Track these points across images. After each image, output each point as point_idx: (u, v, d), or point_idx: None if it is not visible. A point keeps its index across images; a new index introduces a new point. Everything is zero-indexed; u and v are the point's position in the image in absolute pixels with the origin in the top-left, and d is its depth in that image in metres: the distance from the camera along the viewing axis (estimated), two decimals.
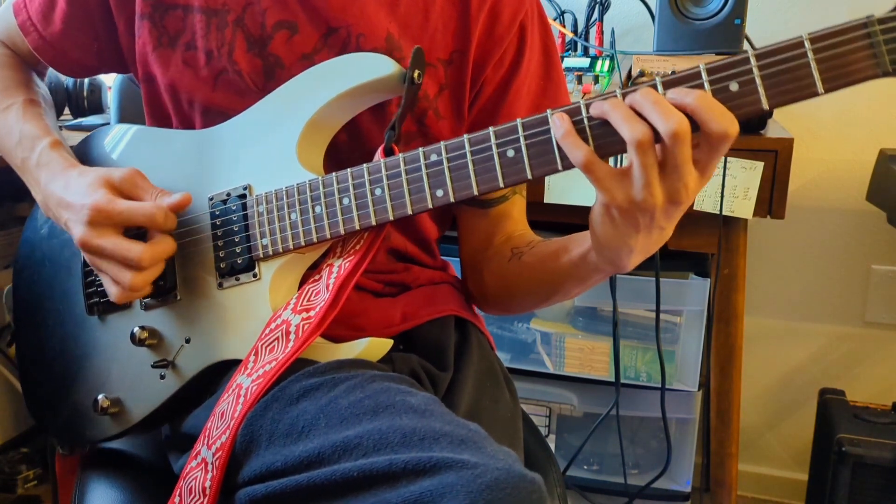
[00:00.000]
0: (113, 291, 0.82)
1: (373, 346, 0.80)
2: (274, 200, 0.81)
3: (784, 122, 1.65)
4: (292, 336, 0.76)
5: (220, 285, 0.84)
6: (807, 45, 0.61)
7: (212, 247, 0.85)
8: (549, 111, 0.68)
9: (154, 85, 0.91)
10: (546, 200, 1.37)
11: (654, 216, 0.67)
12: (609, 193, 0.67)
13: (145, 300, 0.88)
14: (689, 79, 0.64)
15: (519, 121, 0.70)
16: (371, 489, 0.61)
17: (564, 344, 1.61)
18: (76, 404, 0.93)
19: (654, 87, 0.65)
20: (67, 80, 1.72)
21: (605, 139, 0.66)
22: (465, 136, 0.72)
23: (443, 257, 1.04)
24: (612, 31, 1.68)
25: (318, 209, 0.79)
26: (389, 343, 0.82)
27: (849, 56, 0.60)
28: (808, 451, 1.78)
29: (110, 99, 1.40)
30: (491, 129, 0.71)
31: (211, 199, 0.85)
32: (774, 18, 1.71)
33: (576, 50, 1.66)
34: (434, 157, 0.74)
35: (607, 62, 1.58)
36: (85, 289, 0.93)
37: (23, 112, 0.93)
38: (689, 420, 1.61)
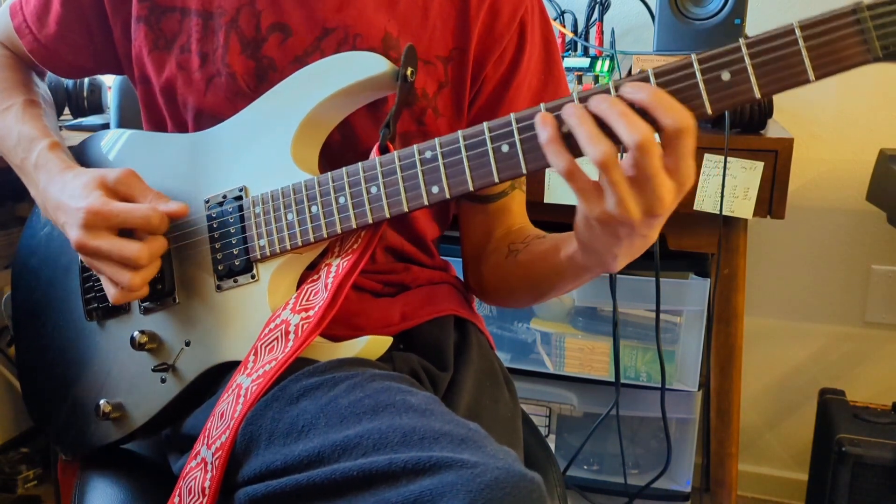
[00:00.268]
0: (112, 292, 0.82)
1: (372, 344, 0.80)
2: (270, 201, 0.81)
3: (784, 122, 1.65)
4: (291, 336, 0.76)
5: (219, 287, 0.84)
6: (797, 32, 0.61)
7: (209, 249, 0.85)
8: (542, 105, 0.68)
9: (150, 87, 0.91)
10: (546, 200, 1.37)
11: (633, 228, 0.66)
12: (588, 205, 0.67)
13: (144, 304, 0.88)
14: (681, 69, 0.64)
15: (513, 115, 0.70)
16: (371, 488, 0.61)
17: (564, 344, 1.61)
18: (78, 410, 0.93)
19: (647, 78, 0.65)
20: (67, 81, 1.72)
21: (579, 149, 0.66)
22: (460, 132, 0.72)
23: (444, 257, 1.04)
24: (612, 31, 1.68)
25: (314, 209, 0.79)
26: (389, 341, 0.82)
27: (839, 42, 0.60)
28: (808, 451, 1.78)
29: (110, 99, 1.40)
30: (485, 124, 0.71)
31: (207, 201, 0.85)
32: (774, 18, 1.71)
33: (576, 50, 1.66)
34: (429, 154, 0.74)
35: (607, 62, 1.58)
36: (83, 294, 0.93)
37: (22, 113, 0.93)
38: (689, 420, 1.61)
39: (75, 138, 0.97)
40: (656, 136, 0.63)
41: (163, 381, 0.86)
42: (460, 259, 1.02)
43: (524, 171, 0.70)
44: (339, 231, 0.79)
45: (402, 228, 0.94)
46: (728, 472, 1.53)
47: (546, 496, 0.61)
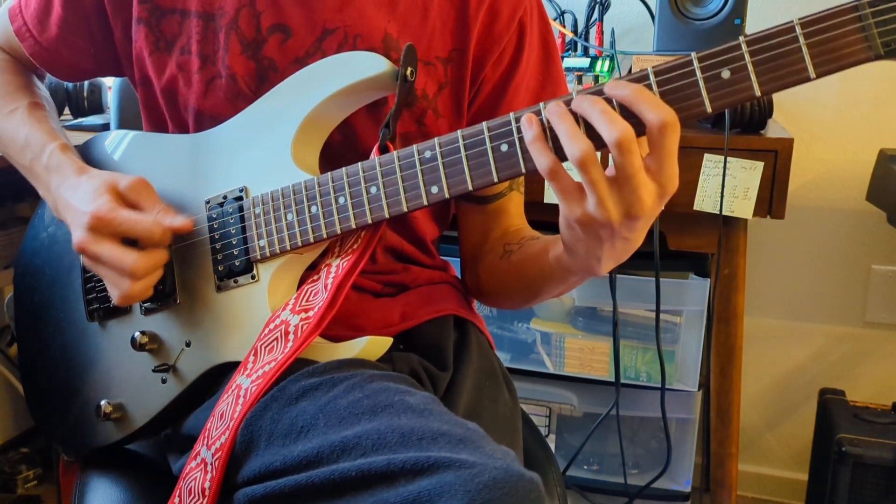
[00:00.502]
0: (114, 294, 0.82)
1: (372, 345, 0.80)
2: (270, 202, 0.81)
3: (784, 122, 1.65)
4: (291, 336, 0.76)
5: (219, 288, 0.84)
6: (798, 30, 0.61)
7: (209, 250, 0.85)
8: (541, 104, 0.68)
9: (150, 89, 0.91)
10: (546, 200, 1.37)
11: (613, 230, 0.66)
12: (569, 206, 0.67)
13: (145, 305, 0.88)
14: (681, 67, 0.64)
15: (512, 115, 0.70)
16: (369, 489, 0.61)
17: (564, 344, 1.61)
18: (79, 411, 0.93)
19: (647, 77, 0.65)
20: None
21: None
22: (459, 132, 0.72)
23: (444, 257, 1.04)
24: (612, 31, 1.68)
25: (314, 209, 0.79)
26: (389, 341, 0.82)
27: (840, 40, 0.60)
28: (808, 451, 1.78)
29: (110, 99, 1.40)
30: (484, 123, 0.71)
31: (207, 202, 0.85)
32: (774, 18, 1.70)
33: (576, 50, 1.66)
34: (428, 154, 0.74)
35: (607, 62, 1.58)
36: (85, 295, 0.93)
37: (28, 115, 0.93)
38: (689, 420, 1.61)
39: (75, 138, 0.97)
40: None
41: (163, 381, 0.86)
42: (459, 258, 1.02)
43: (523, 170, 0.70)
44: (338, 231, 0.79)
45: (401, 229, 0.94)
46: (728, 472, 1.53)
47: (544, 496, 0.61)
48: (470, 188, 0.72)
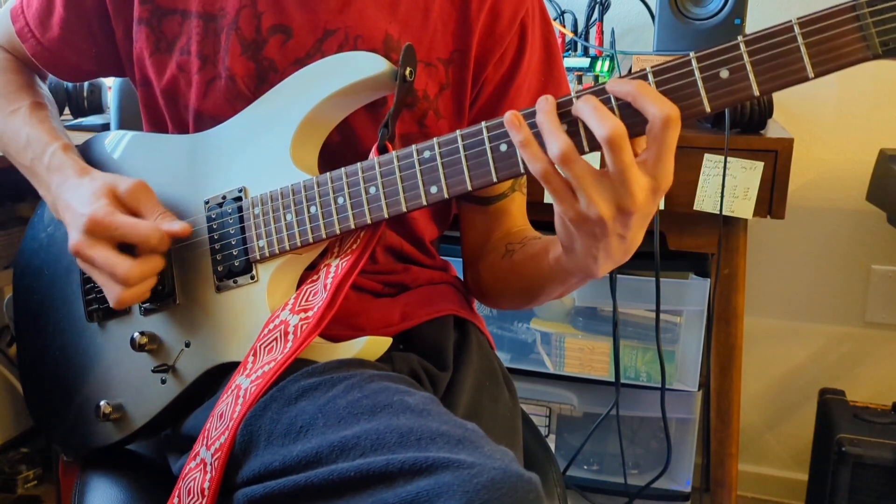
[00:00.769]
0: (110, 297, 0.82)
1: (371, 345, 0.80)
2: (269, 202, 0.81)
3: (784, 122, 1.65)
4: (291, 336, 0.76)
5: (218, 288, 0.84)
6: (796, 29, 0.61)
7: (209, 250, 0.85)
8: (538, 107, 0.68)
9: (150, 89, 0.91)
10: (546, 200, 1.37)
11: (606, 227, 0.66)
12: (562, 206, 0.67)
13: (144, 305, 0.88)
14: (679, 67, 0.64)
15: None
16: (368, 489, 0.61)
17: (564, 344, 1.61)
18: (78, 411, 0.93)
19: (646, 77, 0.65)
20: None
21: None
22: (458, 132, 0.72)
23: (444, 257, 1.04)
24: (612, 31, 1.68)
25: (313, 209, 0.79)
26: (388, 341, 0.82)
27: (838, 39, 0.60)
28: (808, 451, 1.78)
29: (110, 99, 1.40)
30: (483, 123, 0.71)
31: (206, 202, 0.85)
32: (774, 18, 1.71)
33: (576, 50, 1.66)
34: (427, 154, 0.74)
35: (607, 62, 1.58)
36: (84, 296, 0.93)
37: (30, 115, 0.93)
38: (689, 420, 1.61)
39: (75, 138, 0.97)
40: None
41: (163, 381, 0.86)
42: (461, 259, 1.02)
43: (522, 170, 0.70)
44: (337, 231, 0.79)
45: (401, 229, 0.94)
46: (728, 472, 1.53)
47: (543, 497, 0.61)
48: (469, 188, 0.72)
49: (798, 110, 1.79)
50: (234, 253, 0.83)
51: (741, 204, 1.34)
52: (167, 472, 0.86)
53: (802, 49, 0.61)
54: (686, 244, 1.44)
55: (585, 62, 1.59)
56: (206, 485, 0.72)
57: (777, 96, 1.45)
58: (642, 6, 1.71)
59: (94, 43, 0.94)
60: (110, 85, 1.45)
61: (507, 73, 0.92)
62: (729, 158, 1.32)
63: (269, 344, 0.77)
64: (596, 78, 1.57)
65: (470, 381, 0.90)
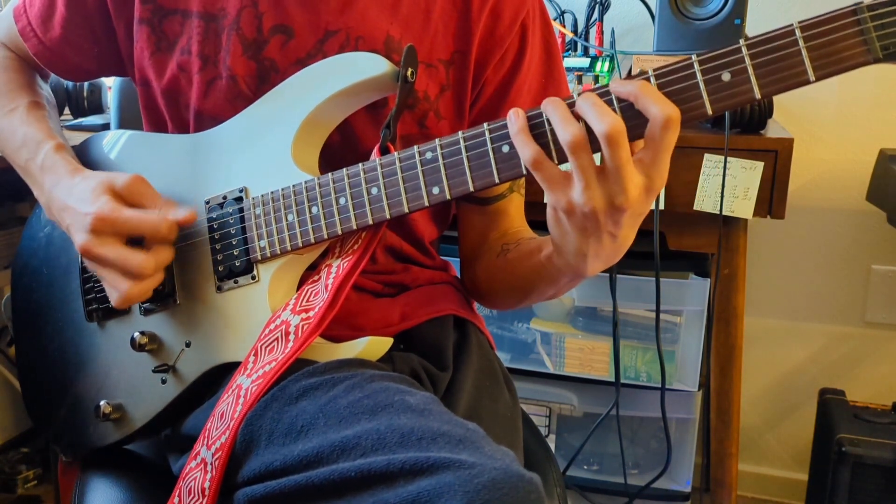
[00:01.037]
0: (113, 296, 0.82)
1: (373, 345, 0.80)
2: (270, 202, 0.81)
3: (784, 122, 1.65)
4: (292, 336, 0.76)
5: (219, 288, 0.84)
6: (797, 33, 0.61)
7: (209, 250, 0.85)
8: (546, 100, 0.68)
9: (150, 89, 0.91)
10: (546, 200, 1.37)
11: (598, 220, 0.67)
12: (554, 195, 0.68)
13: (145, 305, 0.88)
14: (682, 69, 0.64)
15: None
16: (369, 489, 0.61)
17: (564, 344, 1.61)
18: (78, 411, 0.93)
19: (648, 79, 0.65)
20: (68, 81, 1.72)
21: (559, 142, 0.67)
22: (460, 133, 0.72)
23: (443, 257, 1.04)
24: (612, 31, 1.68)
25: (314, 210, 0.79)
26: (389, 342, 0.82)
27: (839, 43, 0.61)
28: (808, 451, 1.78)
29: (110, 99, 1.40)
30: (486, 125, 0.71)
31: (207, 202, 0.85)
32: (774, 18, 1.71)
33: (576, 50, 1.66)
34: (429, 155, 0.74)
35: (607, 62, 1.58)
36: (84, 295, 0.93)
37: (27, 114, 0.93)
38: (689, 420, 1.61)
39: (75, 138, 0.97)
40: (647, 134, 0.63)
41: (163, 381, 0.86)
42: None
43: (524, 171, 0.70)
44: (339, 232, 0.79)
45: (401, 229, 0.94)
46: (728, 472, 1.53)
47: (544, 497, 0.61)
48: (471, 189, 0.72)
49: (798, 110, 1.79)
50: (235, 253, 0.83)
51: (741, 204, 1.34)
52: (167, 472, 0.86)
53: (804, 52, 0.61)
54: (686, 244, 1.44)
55: (585, 62, 1.59)
56: (207, 484, 0.72)
57: (777, 96, 1.45)
58: (642, 6, 1.71)
59: (96, 42, 0.94)
60: (110, 85, 1.45)
61: (507, 75, 0.92)
62: (729, 158, 1.32)
63: (270, 344, 0.77)
64: (596, 78, 1.57)
65: (470, 381, 0.90)
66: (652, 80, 0.65)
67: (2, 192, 1.84)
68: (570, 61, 1.58)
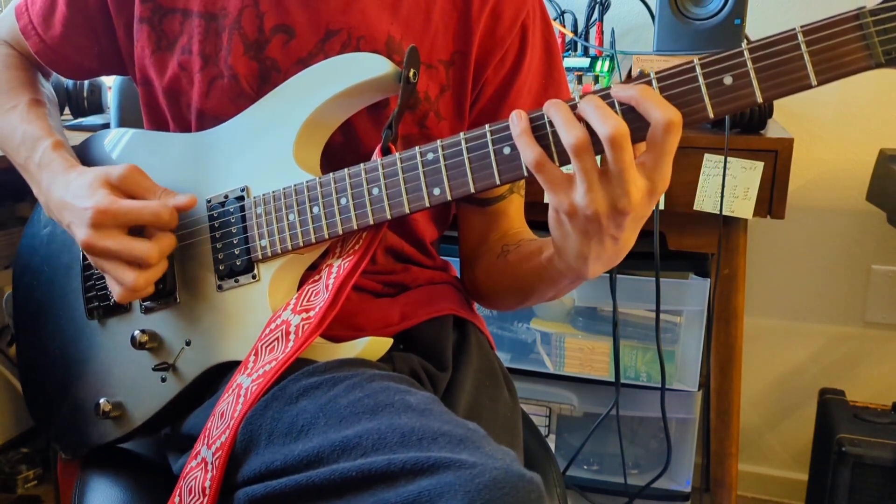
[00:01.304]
0: (117, 291, 0.82)
1: (373, 345, 0.80)
2: (272, 202, 0.81)
3: (784, 122, 1.65)
4: (292, 336, 0.76)
5: (220, 287, 0.84)
6: (800, 37, 0.61)
7: (210, 249, 0.85)
8: (548, 102, 0.68)
9: (151, 88, 0.91)
10: (546, 200, 1.37)
11: (600, 223, 0.67)
12: (556, 197, 0.68)
13: (145, 303, 0.88)
14: (683, 73, 0.64)
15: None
16: (370, 489, 0.61)
17: (564, 344, 1.61)
18: (77, 408, 0.93)
19: (650, 81, 0.65)
20: (67, 81, 1.72)
21: (561, 144, 0.67)
22: (462, 135, 0.72)
23: (443, 257, 1.04)
24: (612, 31, 1.68)
25: (315, 210, 0.79)
26: (389, 342, 0.82)
27: (841, 48, 0.61)
28: (808, 451, 1.79)
29: (110, 99, 1.40)
30: (487, 126, 0.71)
31: (209, 201, 0.85)
32: (774, 19, 1.71)
33: (576, 50, 1.66)
34: (431, 156, 0.74)
35: (607, 62, 1.58)
36: (84, 293, 0.93)
37: (27, 112, 0.93)
38: (689, 420, 1.61)
39: (75, 138, 0.97)
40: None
41: (163, 380, 0.86)
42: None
43: (525, 173, 0.70)
44: (340, 232, 0.79)
45: (401, 230, 0.94)
46: (728, 472, 1.54)
47: (545, 496, 0.61)
48: (472, 190, 0.73)
49: (798, 110, 1.79)
50: (236, 252, 0.83)
51: (741, 204, 1.34)
52: (167, 472, 0.86)
53: (806, 57, 0.61)
54: (686, 244, 1.44)
55: (585, 62, 1.59)
56: (208, 483, 0.72)
57: None
58: (642, 6, 1.71)
59: (97, 41, 0.94)
60: (110, 85, 1.45)
61: (507, 75, 0.92)
62: (729, 158, 1.32)
63: (271, 343, 0.77)
64: (596, 78, 1.57)
65: (470, 381, 0.90)
66: (654, 82, 0.65)
67: (2, 192, 1.84)
68: (570, 61, 1.58)
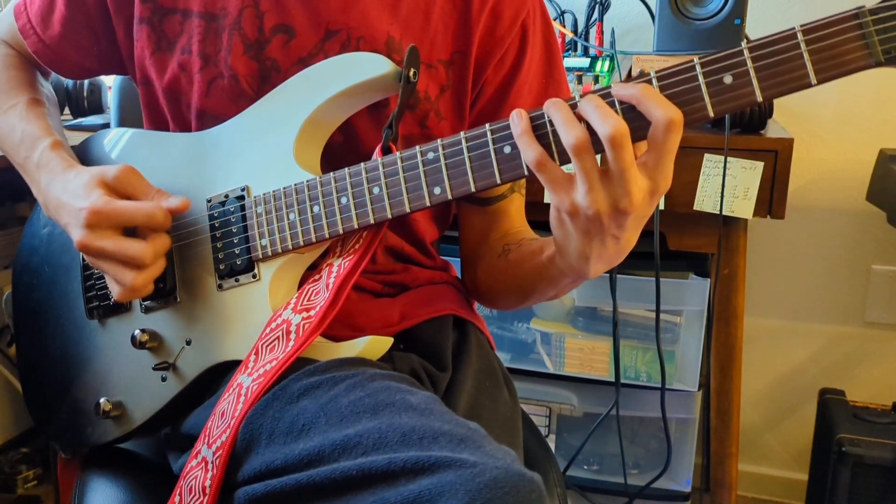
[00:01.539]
0: (116, 290, 0.82)
1: (373, 345, 0.80)
2: (272, 201, 0.81)
3: (784, 122, 1.65)
4: (293, 335, 0.76)
5: (220, 286, 0.84)
6: (799, 36, 0.61)
7: (211, 248, 0.85)
8: (548, 102, 0.68)
9: (151, 88, 0.91)
10: (546, 200, 1.37)
11: (601, 223, 0.67)
12: (558, 197, 0.68)
13: (145, 303, 0.88)
14: (683, 72, 0.64)
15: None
16: (370, 488, 0.61)
17: (564, 344, 1.61)
18: (77, 408, 0.93)
19: (650, 80, 0.65)
20: (67, 80, 1.72)
21: (561, 144, 0.67)
22: (462, 134, 0.72)
23: (443, 257, 1.04)
24: (612, 31, 1.68)
25: (316, 209, 0.79)
26: (390, 341, 0.82)
27: (841, 47, 0.61)
28: (808, 451, 1.79)
29: (110, 99, 1.40)
30: (487, 125, 0.71)
31: (209, 200, 0.85)
32: (774, 18, 1.71)
33: (576, 50, 1.66)
34: (431, 155, 0.74)
35: (607, 62, 1.58)
36: (84, 293, 0.93)
37: (26, 112, 0.93)
38: (689, 420, 1.61)
39: (75, 138, 0.97)
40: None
41: (163, 379, 0.86)
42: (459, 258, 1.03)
43: (525, 172, 0.70)
44: (340, 231, 0.79)
45: (401, 230, 0.94)
46: (728, 472, 1.54)
47: (545, 496, 0.61)
48: (473, 189, 0.73)
49: (798, 110, 1.79)
50: (237, 251, 0.83)
51: (741, 204, 1.34)
52: (167, 472, 0.86)
53: (805, 56, 0.61)
54: (686, 244, 1.44)
55: (585, 62, 1.59)
56: (208, 483, 0.72)
57: None
58: (642, 6, 1.71)
59: (96, 41, 0.94)
60: (110, 85, 1.45)
61: (507, 75, 0.92)
62: (729, 158, 1.32)
63: (271, 343, 0.77)
64: (596, 78, 1.57)
65: (470, 381, 0.90)
66: (654, 81, 0.65)
67: (2, 192, 1.84)
68: (570, 61, 1.58)
